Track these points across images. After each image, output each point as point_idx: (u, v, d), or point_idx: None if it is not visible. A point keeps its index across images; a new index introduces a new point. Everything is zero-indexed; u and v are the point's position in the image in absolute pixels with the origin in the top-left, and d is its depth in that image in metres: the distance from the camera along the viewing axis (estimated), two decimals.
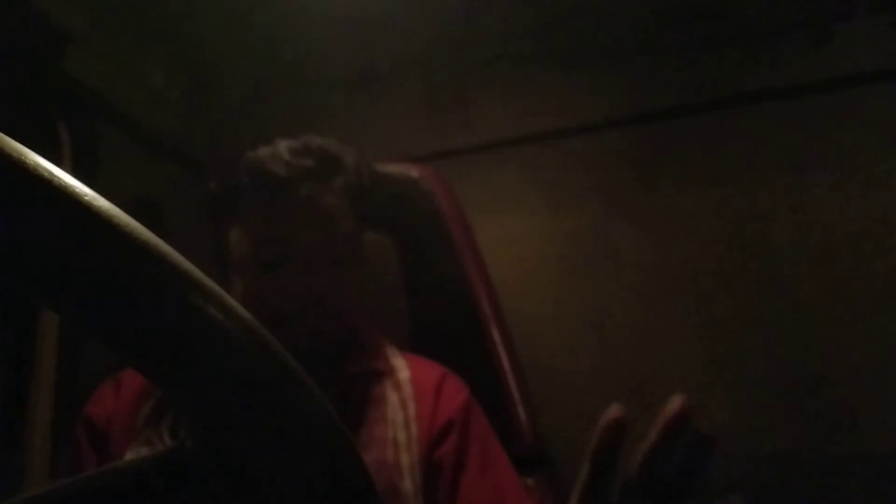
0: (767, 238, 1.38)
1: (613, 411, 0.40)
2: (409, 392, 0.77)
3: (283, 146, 0.79)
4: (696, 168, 1.45)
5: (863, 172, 1.35)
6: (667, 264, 1.41)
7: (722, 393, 1.32)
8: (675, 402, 0.40)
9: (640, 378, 1.36)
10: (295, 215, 0.77)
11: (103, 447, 0.75)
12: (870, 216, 1.32)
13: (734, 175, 1.42)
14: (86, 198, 0.22)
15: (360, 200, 0.84)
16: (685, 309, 1.38)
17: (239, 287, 0.79)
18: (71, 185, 0.22)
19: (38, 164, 0.21)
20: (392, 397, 0.77)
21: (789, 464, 1.24)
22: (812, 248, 1.34)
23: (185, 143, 1.46)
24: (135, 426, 0.74)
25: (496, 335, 1.00)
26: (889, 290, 1.28)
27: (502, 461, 0.79)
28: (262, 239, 0.78)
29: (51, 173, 0.22)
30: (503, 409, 0.93)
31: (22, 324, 1.03)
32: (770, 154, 1.41)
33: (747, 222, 1.40)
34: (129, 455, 0.71)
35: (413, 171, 1.09)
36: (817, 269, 1.33)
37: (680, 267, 1.41)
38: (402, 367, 0.81)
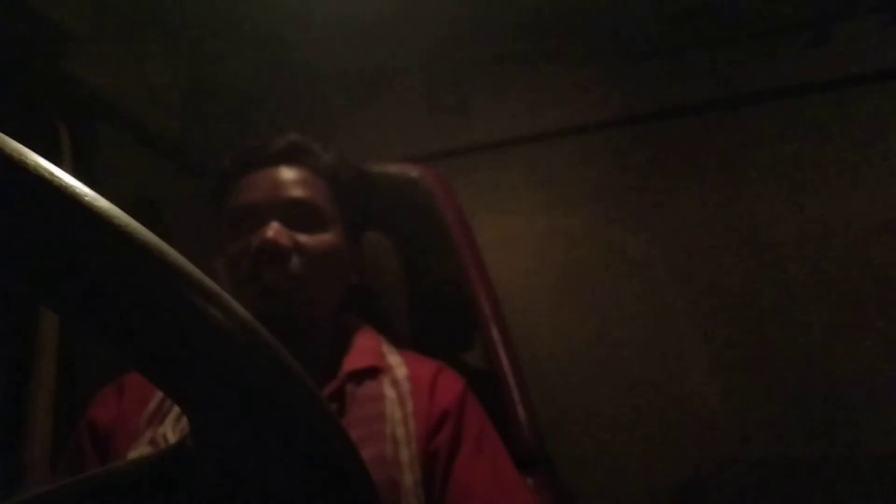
0: (768, 238, 1.38)
1: None
2: (406, 388, 0.78)
3: (263, 138, 0.88)
4: (696, 168, 1.45)
5: (863, 172, 1.35)
6: (667, 264, 1.41)
7: (722, 393, 1.32)
8: None
9: (640, 378, 1.37)
10: (265, 182, 0.83)
11: (105, 450, 0.75)
12: (870, 215, 1.32)
13: (734, 175, 1.42)
14: (86, 198, 0.22)
15: (339, 188, 0.87)
16: (686, 308, 1.38)
17: (221, 262, 0.82)
18: (71, 186, 0.22)
19: (39, 165, 0.21)
20: (390, 394, 0.77)
21: (789, 464, 1.24)
22: (812, 247, 1.34)
23: (185, 143, 1.46)
24: (137, 428, 0.74)
25: (496, 335, 0.99)
26: (889, 291, 1.28)
27: (498, 447, 0.78)
28: (235, 208, 0.82)
29: (51, 174, 0.22)
30: (503, 409, 0.93)
31: (22, 324, 1.03)
32: (770, 154, 1.41)
33: (748, 222, 1.40)
34: (132, 456, 0.71)
35: (413, 171, 1.09)
36: (818, 268, 1.33)
37: (680, 266, 1.41)
38: (398, 364, 0.82)
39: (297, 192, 0.82)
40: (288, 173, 0.83)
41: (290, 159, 0.85)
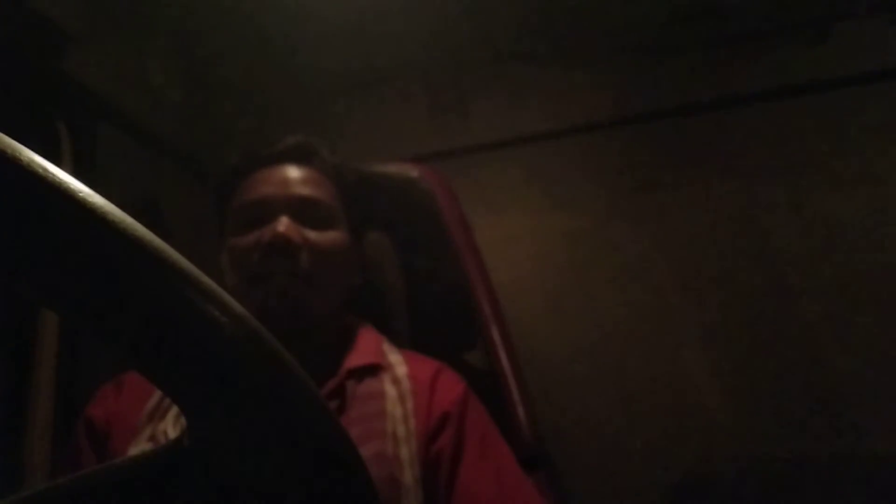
0: (768, 237, 1.38)
1: None
2: (406, 387, 0.77)
3: (271, 139, 0.89)
4: (696, 168, 1.45)
5: (863, 171, 1.35)
6: (667, 264, 1.41)
7: (722, 393, 1.32)
8: None
9: (640, 378, 1.36)
10: (275, 179, 0.84)
11: (104, 448, 0.75)
12: (870, 215, 1.32)
13: (734, 175, 1.42)
14: (80, 194, 0.22)
15: (344, 189, 0.89)
16: (686, 308, 1.38)
17: (226, 258, 0.82)
18: (65, 182, 0.22)
19: (33, 161, 0.21)
20: (390, 392, 0.77)
21: (789, 464, 1.24)
22: (812, 247, 1.34)
23: (185, 143, 1.46)
24: (136, 426, 0.74)
25: (496, 335, 0.99)
26: (889, 290, 1.28)
27: (502, 450, 0.78)
28: (245, 204, 0.83)
29: (45, 170, 0.21)
30: (503, 409, 0.93)
31: (22, 324, 1.03)
32: (770, 154, 1.41)
33: (748, 222, 1.39)
34: (131, 453, 0.71)
35: (413, 171, 1.09)
36: (817, 268, 1.33)
37: (680, 266, 1.41)
38: (399, 362, 0.82)
39: (306, 190, 0.83)
40: (296, 171, 0.85)
41: (298, 159, 0.86)
